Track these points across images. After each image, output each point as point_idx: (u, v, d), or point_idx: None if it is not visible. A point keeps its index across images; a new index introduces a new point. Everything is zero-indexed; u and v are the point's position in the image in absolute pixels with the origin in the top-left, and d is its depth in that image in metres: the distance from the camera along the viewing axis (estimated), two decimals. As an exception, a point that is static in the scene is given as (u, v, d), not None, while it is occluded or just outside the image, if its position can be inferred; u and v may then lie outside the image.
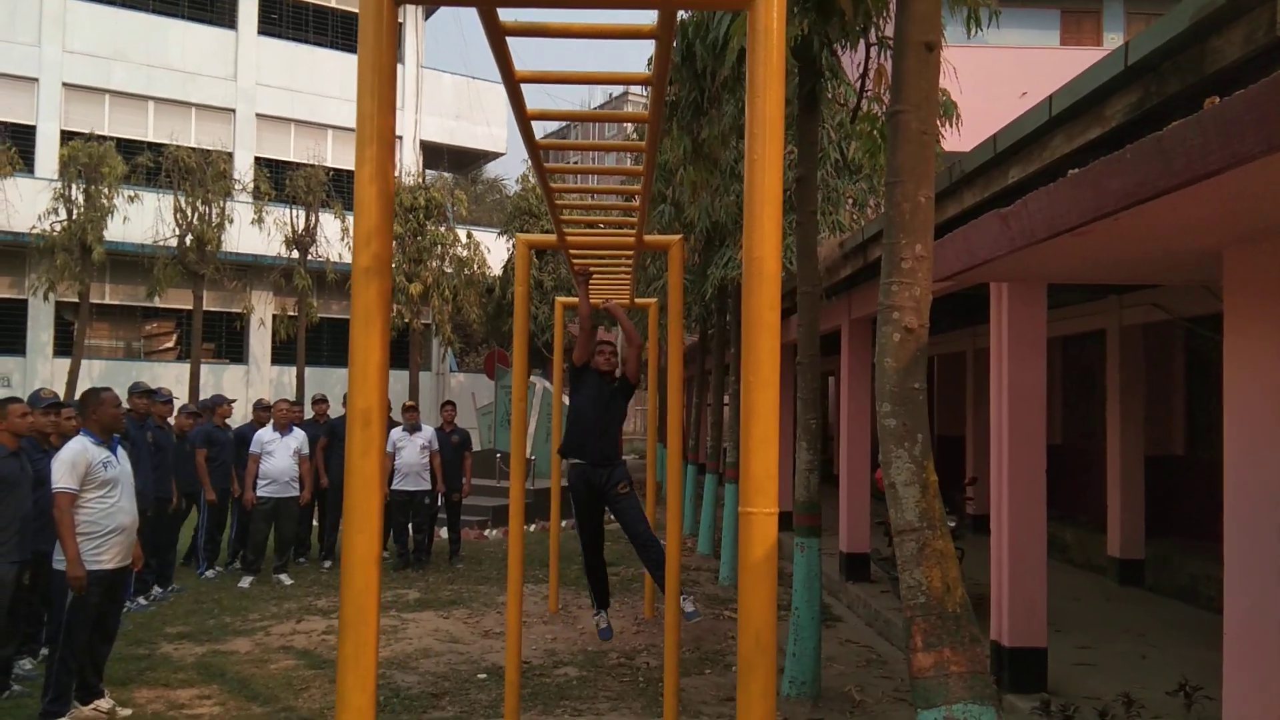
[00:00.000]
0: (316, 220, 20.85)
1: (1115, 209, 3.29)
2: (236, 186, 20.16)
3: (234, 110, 24.38)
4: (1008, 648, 5.87)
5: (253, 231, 20.25)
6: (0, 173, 17.50)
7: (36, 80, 22.12)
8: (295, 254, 20.72)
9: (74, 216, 17.76)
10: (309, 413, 11.95)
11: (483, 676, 6.69)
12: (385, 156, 2.13)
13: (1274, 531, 3.77)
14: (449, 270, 21.78)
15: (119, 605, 5.83)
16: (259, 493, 9.77)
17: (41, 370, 21.28)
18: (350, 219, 21.16)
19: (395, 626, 8.00)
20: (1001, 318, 6.00)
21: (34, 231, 18.14)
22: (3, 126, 21.33)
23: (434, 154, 28.35)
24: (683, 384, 13.97)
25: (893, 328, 2.79)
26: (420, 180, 23.67)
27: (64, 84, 22.41)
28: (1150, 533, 9.51)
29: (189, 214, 18.79)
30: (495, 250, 24.20)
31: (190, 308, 19.94)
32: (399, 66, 26.42)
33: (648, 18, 2.51)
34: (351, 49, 26.08)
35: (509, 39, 2.47)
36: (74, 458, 5.35)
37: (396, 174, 23.05)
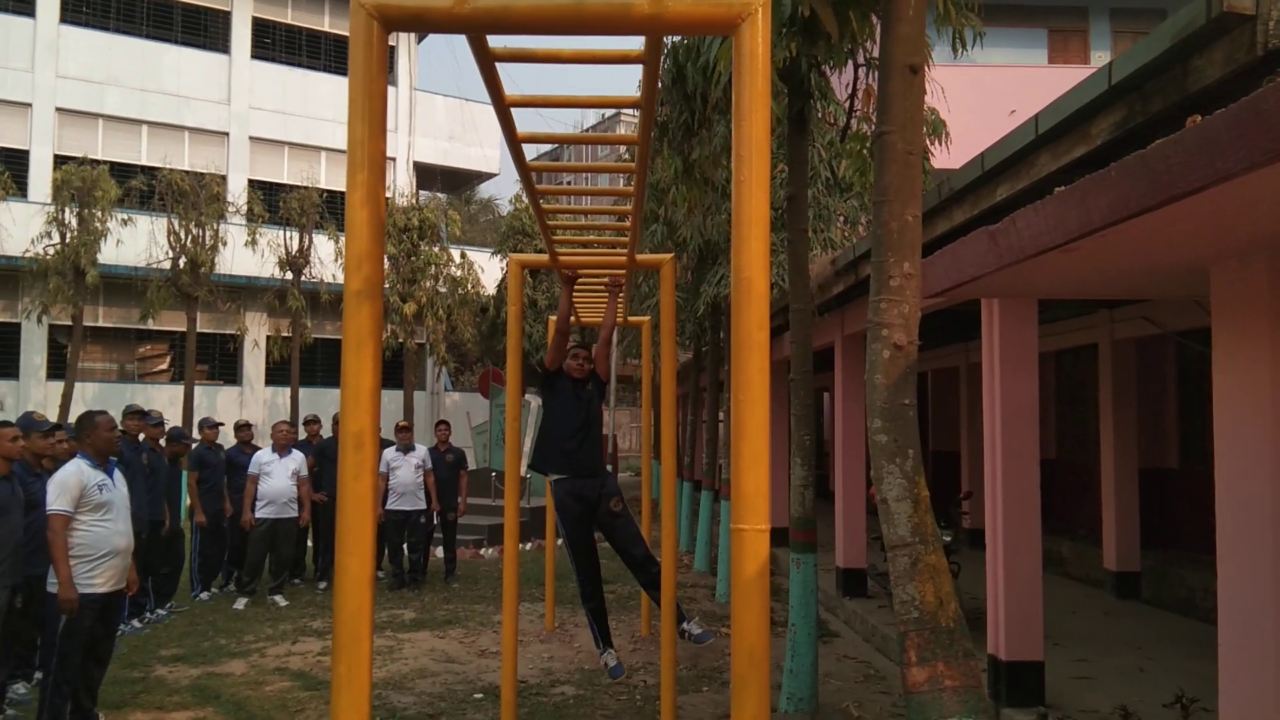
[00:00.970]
0: (310, 242, 20.90)
1: (1101, 225, 3.32)
2: (230, 209, 20.21)
3: (227, 133, 24.47)
4: (1005, 662, 5.87)
5: (246, 253, 20.28)
6: (-6, 197, 17.54)
7: (30, 105, 22.19)
8: (289, 275, 20.75)
9: (67, 240, 17.78)
10: (302, 433, 11.94)
11: (479, 696, 6.67)
12: (376, 181, 2.15)
13: (1266, 545, 3.79)
14: (443, 290, 21.83)
15: (113, 629, 5.80)
16: (257, 514, 9.76)
17: (35, 393, 21.23)
18: (344, 240, 21.34)
19: (391, 647, 7.98)
20: (993, 333, 6.03)
21: (27, 255, 18.15)
22: (-3, 151, 21.39)
23: (427, 175, 28.46)
24: (677, 401, 13.96)
25: (882, 345, 2.82)
26: (414, 201, 23.75)
27: (57, 109, 22.48)
28: (1146, 545, 9.52)
29: (182, 236, 18.83)
30: (489, 270, 24.27)
31: (184, 330, 19.94)
32: (393, 89, 26.66)
33: (636, 43, 2.55)
34: (343, 72, 26.19)
35: (499, 63, 2.50)
36: (69, 480, 5.34)
37: (390, 195, 23.19)
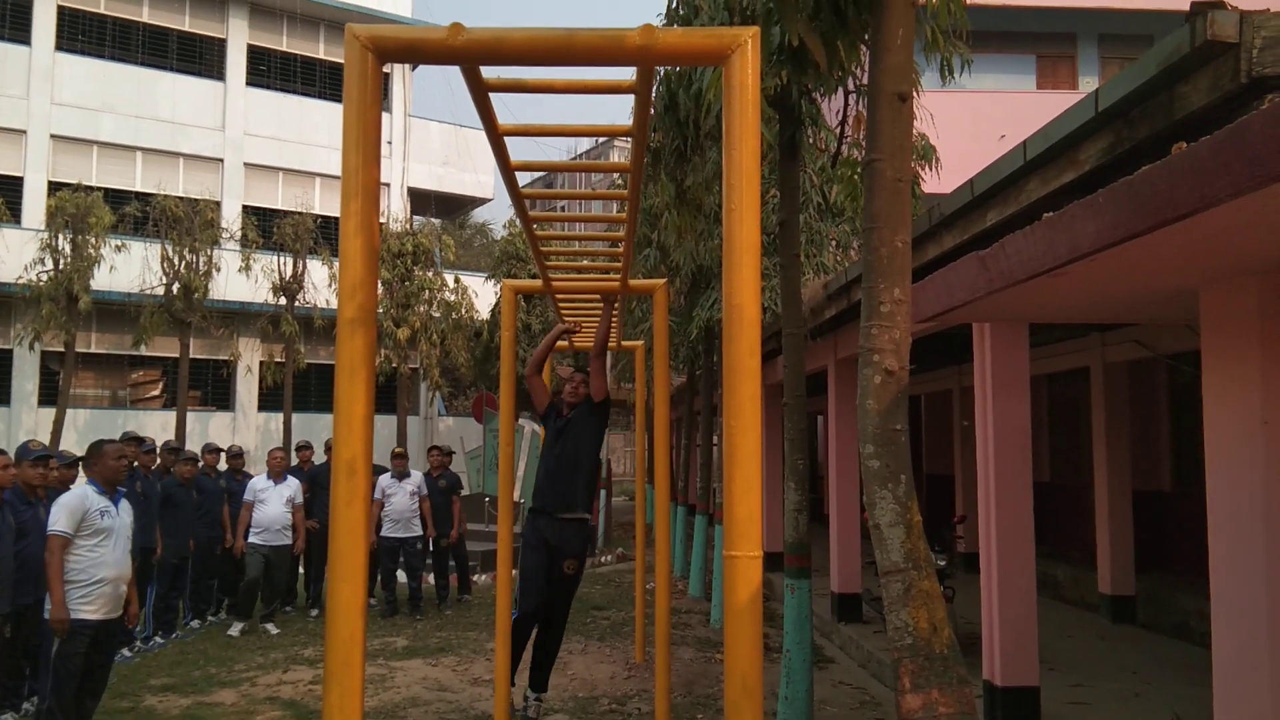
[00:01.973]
0: (304, 267, 20.91)
1: (1090, 251, 3.35)
2: (224, 235, 20.21)
3: (222, 160, 24.53)
4: (1000, 687, 5.85)
5: (240, 279, 20.28)
6: (-12, 224, 17.55)
7: (24, 132, 22.23)
8: (283, 300, 20.73)
9: (61, 267, 17.76)
10: (294, 459, 11.89)
11: (472, 726, 6.61)
12: (370, 210, 2.17)
13: (1259, 568, 3.80)
14: (437, 315, 21.83)
15: (107, 659, 5.74)
16: (251, 540, 9.69)
17: (26, 420, 21.12)
18: (337, 265, 21.32)
19: (383, 675, 7.92)
20: (985, 357, 6.06)
21: (20, 282, 18.12)
22: (-10, 178, 21.42)
23: (422, 200, 28.54)
24: (670, 425, 13.92)
25: (873, 370, 2.83)
26: (408, 226, 23.80)
27: (52, 135, 22.53)
28: (1141, 569, 9.51)
29: (176, 263, 18.82)
30: (483, 294, 24.29)
31: (176, 355, 19.88)
32: (387, 115, 26.77)
33: (628, 72, 2.58)
34: (338, 99, 26.35)
35: (492, 93, 2.53)
36: (72, 503, 5.41)
37: (384, 220, 23.25)
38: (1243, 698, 3.87)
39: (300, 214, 21.28)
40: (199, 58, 24.85)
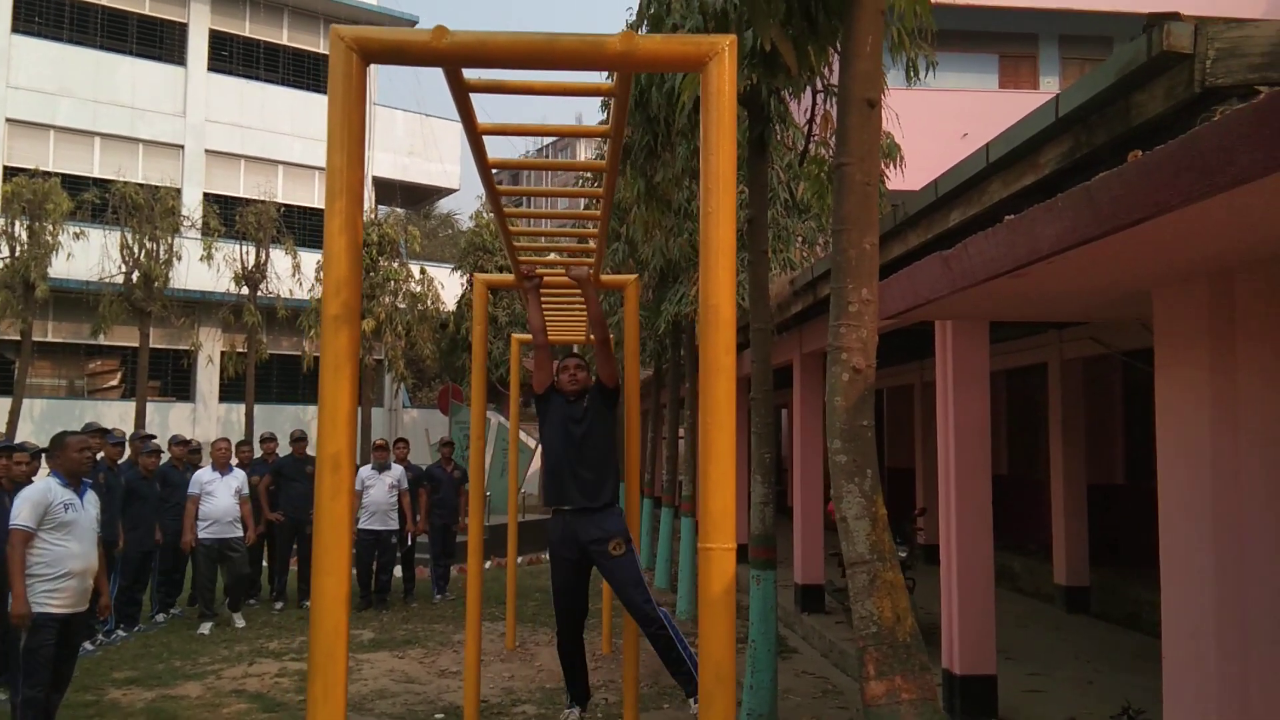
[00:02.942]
0: (267, 256, 20.70)
1: (1049, 253, 3.46)
2: (185, 223, 19.95)
3: (183, 146, 24.19)
4: (959, 676, 5.99)
5: (201, 268, 20.04)
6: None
7: (-21, 115, 21.80)
8: (245, 290, 20.52)
9: (17, 254, 17.44)
10: (258, 451, 11.79)
11: (440, 717, 6.65)
12: (354, 209, 2.21)
13: (1208, 558, 3.95)
14: (402, 306, 21.72)
15: (73, 652, 5.70)
16: (201, 534, 9.54)
17: (-20, 410, 20.73)
18: (301, 255, 20.92)
19: (350, 668, 7.89)
20: (946, 354, 6.19)
21: (-26, 269, 17.80)
22: (-57, 162, 20.95)
23: (387, 190, 28.33)
24: (639, 418, 13.91)
25: (841, 368, 2.92)
26: (373, 216, 23.63)
27: (7, 119, 22.08)
28: (1095, 560, 9.75)
29: (136, 250, 18.55)
30: (449, 286, 24.19)
31: (135, 345, 19.61)
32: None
33: (607, 74, 2.63)
34: (302, 86, 26.10)
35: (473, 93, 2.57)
36: (36, 497, 5.36)
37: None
38: (1190, 685, 4.03)
39: (263, 202, 21.05)
40: (160, 42, 24.46)
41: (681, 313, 10.05)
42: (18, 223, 17.62)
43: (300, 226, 24.18)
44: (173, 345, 22.64)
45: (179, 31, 24.64)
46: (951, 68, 18.70)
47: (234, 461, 10.40)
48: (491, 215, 26.06)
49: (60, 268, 18.29)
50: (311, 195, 25.64)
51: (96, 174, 22.38)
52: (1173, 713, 4.15)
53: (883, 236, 6.27)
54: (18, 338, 18.40)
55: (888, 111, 9.21)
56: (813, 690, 7.39)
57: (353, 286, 2.22)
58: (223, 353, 22.47)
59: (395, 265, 21.72)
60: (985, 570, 6.10)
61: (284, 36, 26.08)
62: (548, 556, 5.32)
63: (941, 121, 16.50)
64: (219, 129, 24.65)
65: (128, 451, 9.49)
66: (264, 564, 11.22)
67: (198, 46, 24.59)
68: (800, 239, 10.47)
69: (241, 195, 23.95)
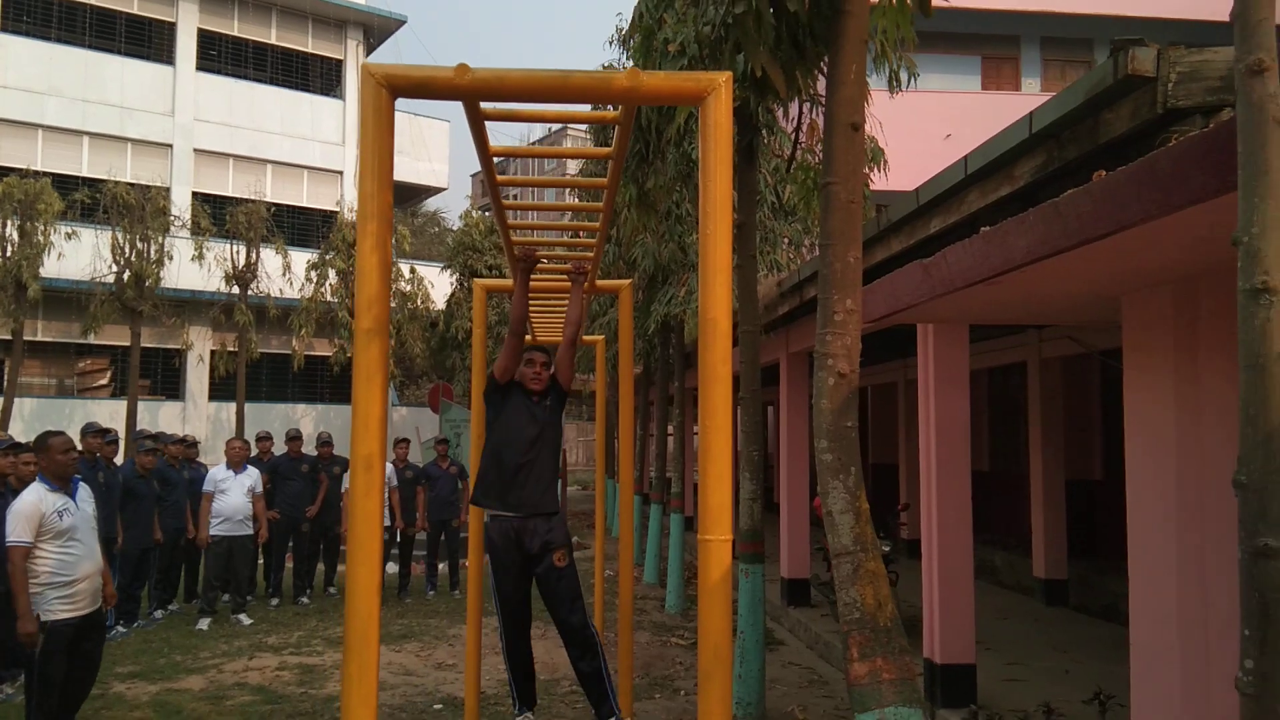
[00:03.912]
0: (257, 256, 20.79)
1: (1021, 263, 3.70)
2: (176, 223, 20.01)
3: (171, 145, 24.22)
4: (939, 665, 6.23)
5: (192, 267, 20.12)
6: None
7: (-34, 115, 21.79)
8: (235, 290, 20.61)
9: (8, 254, 17.50)
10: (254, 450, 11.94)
11: (438, 707, 6.85)
12: (384, 231, 2.41)
13: (1172, 550, 4.19)
14: (392, 305, 21.82)
15: (96, 644, 5.56)
16: (212, 531, 9.74)
17: (-31, 409, 20.75)
18: (291, 254, 20.98)
19: (349, 661, 8.11)
20: (928, 355, 6.43)
21: (-36, 269, 17.83)
22: (-69, 161, 20.94)
23: (375, 188, 28.40)
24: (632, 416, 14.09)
25: (827, 373, 3.14)
26: (362, 215, 23.67)
27: (-4, 118, 22.10)
28: (1073, 554, 10.02)
29: (127, 250, 18.61)
30: (439, 285, 24.32)
31: (126, 344, 19.68)
32: (341, 103, 26.62)
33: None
34: (290, 85, 26.16)
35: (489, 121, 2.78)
36: (28, 510, 5.19)
37: (339, 209, 23.15)
38: (1157, 669, 4.27)
39: (253, 202, 21.13)
40: (148, 41, 24.48)
41: (671, 313, 10.28)
42: (9, 223, 17.67)
43: (290, 226, 24.27)
44: (163, 344, 22.71)
45: (167, 31, 24.66)
46: (935, 69, 18.98)
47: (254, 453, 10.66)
48: (482, 214, 26.15)
49: (51, 267, 18.34)
50: (300, 194, 25.72)
51: (85, 173, 22.41)
52: (1140, 696, 4.40)
53: (867, 242, 6.52)
54: (9, 337, 18.44)
55: (872, 121, 9.47)
56: (799, 680, 7.63)
57: (383, 302, 2.42)
58: (213, 351, 22.52)
59: (385, 264, 21.83)
60: (965, 564, 6.33)
61: (272, 36, 26.13)
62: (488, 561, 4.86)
63: (925, 123, 16.77)
64: (208, 128, 24.69)
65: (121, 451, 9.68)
66: (259, 561, 11.38)
67: (186, 46, 24.62)
68: (787, 241, 10.71)
69: (231, 194, 24.01)
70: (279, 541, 11.02)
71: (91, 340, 20.96)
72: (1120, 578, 8.83)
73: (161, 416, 22.57)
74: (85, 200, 18.61)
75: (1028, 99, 14.57)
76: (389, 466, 11.35)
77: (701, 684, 2.55)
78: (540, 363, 4.84)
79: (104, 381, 23.16)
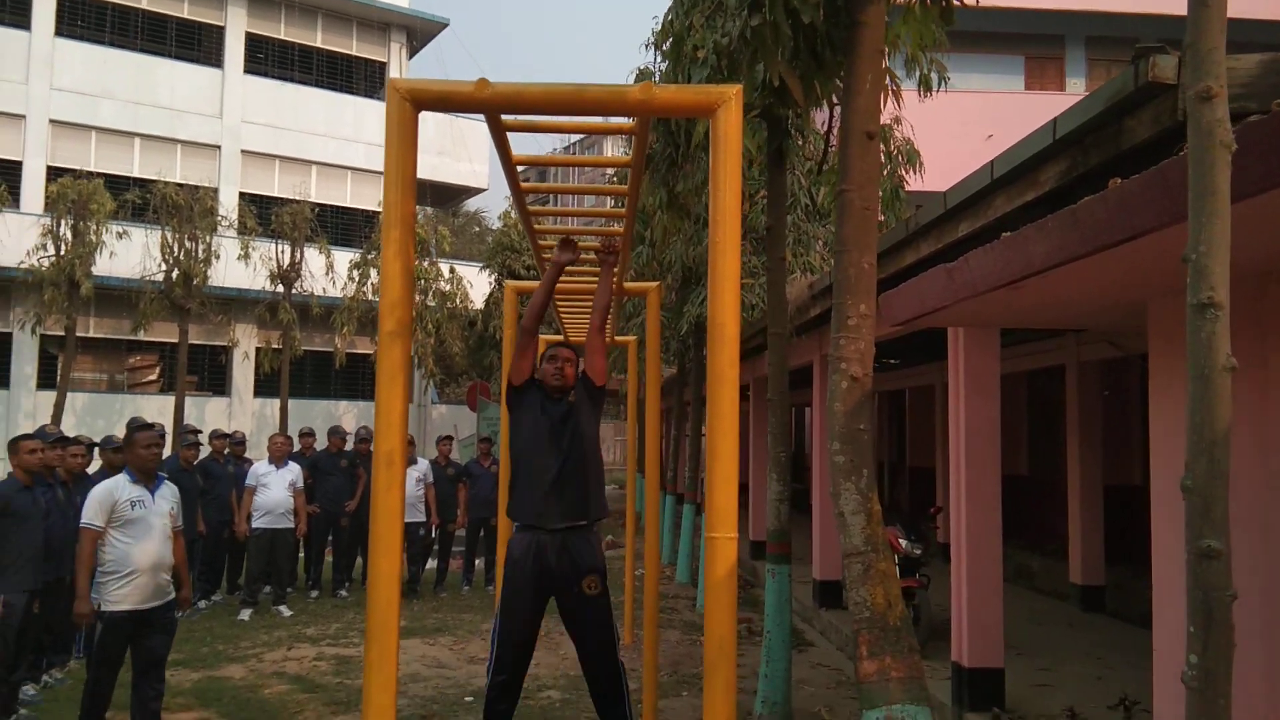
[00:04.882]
0: (301, 255, 21.19)
1: (1041, 269, 3.72)
2: (223, 223, 20.47)
3: (219, 147, 24.77)
4: (967, 668, 6.23)
5: (238, 266, 20.57)
6: (-11, 209, 17.79)
7: (24, 117, 22.44)
8: (280, 288, 21.03)
9: (63, 252, 18.02)
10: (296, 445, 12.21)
11: (469, 699, 6.99)
12: (407, 238, 2.52)
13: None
14: (432, 304, 22.14)
15: (158, 644, 5.50)
16: (254, 525, 10.00)
17: (25, 403, 21.40)
18: (334, 254, 21.35)
19: (384, 654, 8.28)
20: (958, 359, 6.43)
21: (22, 266, 18.39)
22: (-10, 163, 21.64)
23: (418, 190, 28.78)
24: (661, 415, 14.25)
25: (840, 376, 3.20)
26: (404, 215, 24.00)
27: (51, 120, 22.74)
28: (1111, 559, 9.90)
29: (176, 249, 19.07)
30: (477, 284, 24.60)
31: (174, 340, 20.17)
32: (380, 104, 26.95)
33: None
34: (335, 87, 26.62)
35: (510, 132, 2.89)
36: (102, 495, 5.32)
37: (379, 209, 23.49)
38: (1178, 673, 4.26)
39: (298, 202, 21.54)
40: (197, 44, 25.06)
41: (702, 315, 10.35)
42: (63, 222, 18.20)
43: (333, 226, 24.70)
44: (210, 341, 23.25)
45: (216, 34, 25.22)
46: (977, 69, 18.83)
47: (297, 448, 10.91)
48: (528, 237, 26.31)
49: (103, 265, 18.86)
50: (344, 195, 26.15)
51: (136, 174, 22.99)
52: (1162, 700, 4.39)
53: (896, 245, 6.54)
54: (62, 333, 18.99)
55: (905, 121, 9.42)
56: (827, 681, 7.66)
57: (406, 306, 2.54)
58: (258, 349, 23.00)
59: (426, 265, 22.15)
60: (994, 567, 6.32)
61: (318, 39, 26.60)
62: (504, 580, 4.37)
63: (968, 122, 16.63)
64: (254, 129, 25.21)
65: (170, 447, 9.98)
66: (300, 555, 11.64)
67: (234, 49, 25.16)
68: (821, 243, 10.72)
69: (276, 195, 24.51)
70: (319, 535, 11.26)
71: (141, 337, 21.51)
72: (1156, 584, 8.78)
73: (208, 412, 23.09)
74: (136, 200, 19.10)
75: (1072, 99, 14.34)
76: (426, 463, 11.53)
77: (706, 677, 2.62)
78: (563, 359, 4.42)
79: (153, 377, 23.73)
